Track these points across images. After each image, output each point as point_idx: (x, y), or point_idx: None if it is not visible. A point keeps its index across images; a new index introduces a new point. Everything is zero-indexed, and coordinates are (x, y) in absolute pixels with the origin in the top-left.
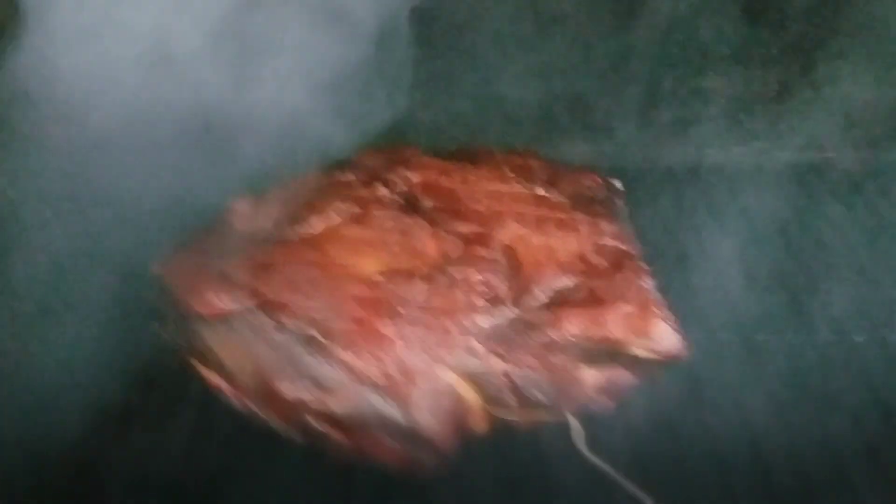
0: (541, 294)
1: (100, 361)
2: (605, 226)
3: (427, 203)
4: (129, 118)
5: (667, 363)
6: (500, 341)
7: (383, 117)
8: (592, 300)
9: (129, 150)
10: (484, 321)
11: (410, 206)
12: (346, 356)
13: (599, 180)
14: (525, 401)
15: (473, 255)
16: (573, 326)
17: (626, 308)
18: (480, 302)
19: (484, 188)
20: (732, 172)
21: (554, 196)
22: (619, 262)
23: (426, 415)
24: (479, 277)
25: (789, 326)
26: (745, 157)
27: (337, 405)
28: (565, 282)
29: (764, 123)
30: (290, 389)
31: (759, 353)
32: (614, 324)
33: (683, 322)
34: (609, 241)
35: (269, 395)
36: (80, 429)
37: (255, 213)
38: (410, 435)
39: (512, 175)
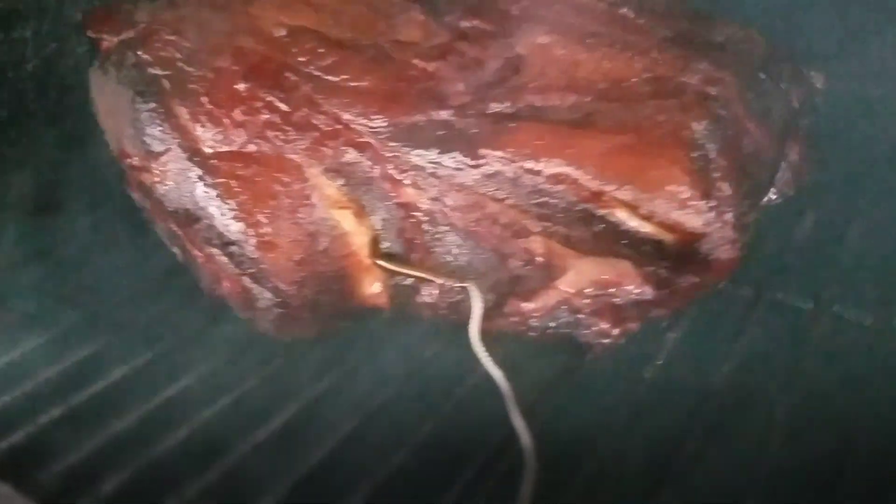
0: (503, 104)
1: None
2: (711, 71)
3: None
4: None
5: (684, 252)
6: (415, 160)
7: None
8: (579, 122)
9: None
10: (400, 118)
11: None
12: (182, 112)
13: (761, 40)
14: (430, 255)
15: (449, 49)
16: (521, 153)
17: (627, 140)
18: (406, 90)
19: None
20: None
21: (647, 23)
22: (675, 92)
23: (278, 238)
24: (427, 67)
25: None
26: None
27: (158, 179)
28: (558, 99)
29: None
30: (130, 153)
31: None
32: (597, 161)
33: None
34: (692, 80)
35: (123, 163)
36: None
37: None
38: (247, 263)
39: None
